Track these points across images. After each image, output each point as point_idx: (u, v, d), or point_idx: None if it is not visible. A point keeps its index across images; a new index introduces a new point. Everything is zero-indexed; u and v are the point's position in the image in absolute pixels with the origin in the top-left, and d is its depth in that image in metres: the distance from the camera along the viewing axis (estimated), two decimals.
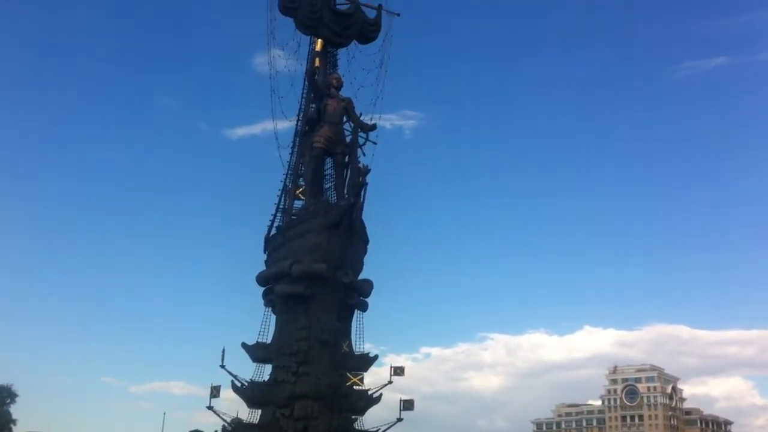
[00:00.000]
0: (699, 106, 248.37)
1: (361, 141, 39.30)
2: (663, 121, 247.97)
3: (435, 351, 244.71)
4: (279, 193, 42.35)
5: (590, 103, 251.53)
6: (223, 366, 37.48)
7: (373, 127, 39.56)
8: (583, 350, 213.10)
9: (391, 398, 38.49)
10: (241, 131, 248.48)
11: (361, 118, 39.90)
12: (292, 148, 42.50)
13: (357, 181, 35.82)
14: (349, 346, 37.90)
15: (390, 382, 38.10)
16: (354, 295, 38.23)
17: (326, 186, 40.88)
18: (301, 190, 41.43)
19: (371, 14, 43.14)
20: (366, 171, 35.47)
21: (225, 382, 37.78)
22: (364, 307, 38.98)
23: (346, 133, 40.14)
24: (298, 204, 41.45)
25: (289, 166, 42.33)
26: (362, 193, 35.97)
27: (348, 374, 36.94)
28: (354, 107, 40.07)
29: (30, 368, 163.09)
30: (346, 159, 39.27)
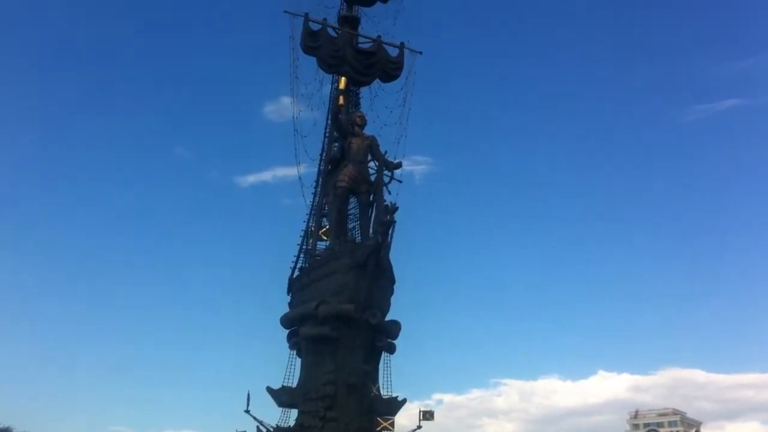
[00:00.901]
0: (712, 148, 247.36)
1: (386, 179, 38.50)
2: (674, 164, 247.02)
3: (447, 397, 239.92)
4: (302, 233, 41.77)
5: (600, 150, 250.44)
6: (248, 411, 36.42)
7: (399, 165, 38.80)
8: (598, 396, 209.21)
9: None
10: (252, 178, 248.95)
11: (386, 157, 39.26)
12: (315, 188, 42.03)
13: (384, 219, 34.94)
14: (378, 389, 36.71)
15: (419, 427, 36.79)
16: (382, 336, 37.12)
17: (350, 226, 40.19)
18: (324, 230, 40.80)
19: (393, 52, 42.94)
20: (394, 209, 34.60)
21: (250, 427, 36.78)
22: (391, 350, 37.82)
23: (371, 171, 39.54)
24: (321, 245, 40.83)
25: (312, 206, 41.80)
26: (390, 231, 35.15)
27: (378, 419, 35.74)
28: (378, 145, 39.52)
29: (36, 412, 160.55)
30: (371, 198, 38.61)
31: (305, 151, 41.05)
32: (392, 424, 35.91)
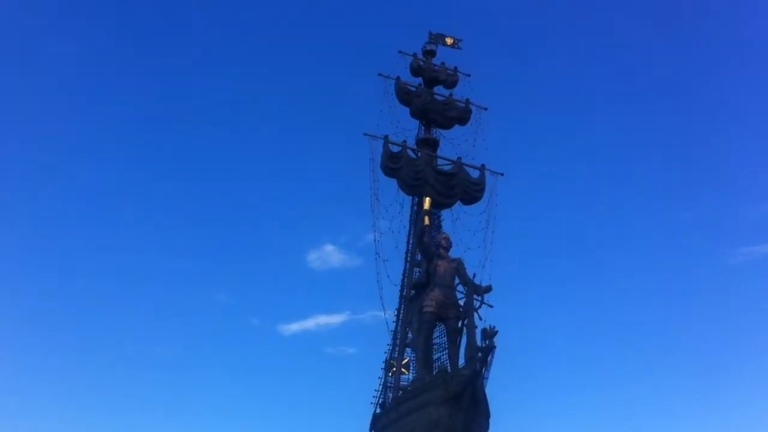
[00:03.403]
0: (760, 291, 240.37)
1: (475, 304, 35.90)
2: (724, 310, 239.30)
3: None
4: (383, 366, 38.96)
5: (639, 300, 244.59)
6: None
7: (489, 288, 35.93)
8: None
9: None
10: (294, 326, 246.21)
11: (473, 280, 36.80)
12: (397, 316, 39.51)
13: (483, 344, 31.89)
14: None
15: None
16: None
17: (435, 356, 37.26)
18: (405, 361, 37.98)
19: (474, 174, 41.70)
20: (493, 333, 31.42)
21: None
22: None
23: (458, 296, 37.04)
24: (403, 378, 37.90)
25: (394, 336, 39.14)
26: (489, 358, 32.06)
27: None
28: (465, 268, 37.20)
29: None
30: (460, 324, 35.81)
31: (387, 275, 39.05)
32: None
